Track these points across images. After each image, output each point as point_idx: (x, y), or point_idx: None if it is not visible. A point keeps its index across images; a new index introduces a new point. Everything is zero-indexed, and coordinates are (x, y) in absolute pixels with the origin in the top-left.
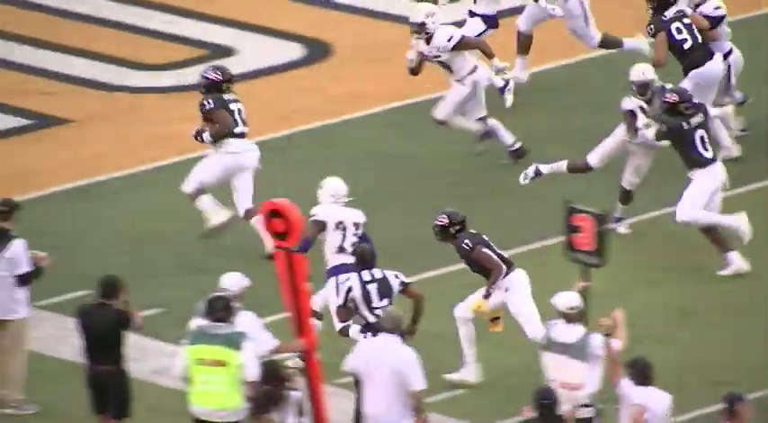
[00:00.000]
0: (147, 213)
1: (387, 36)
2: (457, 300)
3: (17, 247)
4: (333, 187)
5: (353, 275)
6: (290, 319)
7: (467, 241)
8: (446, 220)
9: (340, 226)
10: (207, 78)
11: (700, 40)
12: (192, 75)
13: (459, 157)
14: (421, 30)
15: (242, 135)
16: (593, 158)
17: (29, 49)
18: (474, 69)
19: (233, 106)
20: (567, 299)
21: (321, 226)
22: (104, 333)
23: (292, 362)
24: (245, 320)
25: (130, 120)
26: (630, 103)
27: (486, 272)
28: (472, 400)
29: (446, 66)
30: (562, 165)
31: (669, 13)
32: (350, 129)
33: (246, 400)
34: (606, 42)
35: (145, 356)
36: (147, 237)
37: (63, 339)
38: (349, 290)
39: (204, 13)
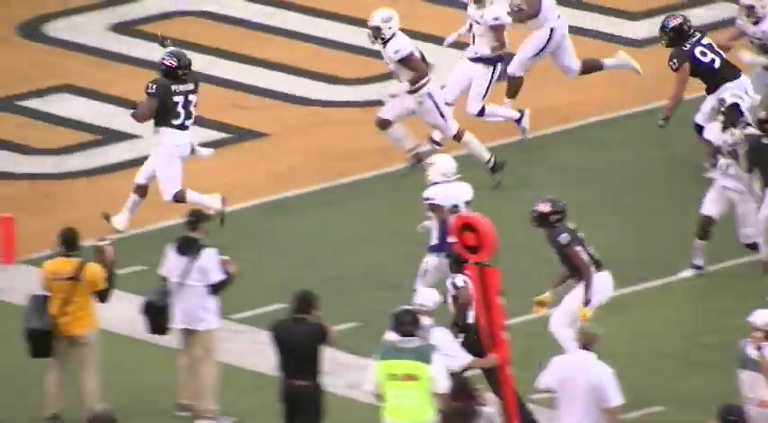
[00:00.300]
0: (343, 227)
1: (589, 51)
2: (638, 320)
3: (208, 256)
4: (444, 165)
5: (459, 276)
6: (483, 333)
7: (565, 235)
8: (549, 208)
9: (455, 209)
10: (164, 64)
11: (724, 57)
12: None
13: (651, 171)
14: (376, 34)
15: (181, 127)
16: (708, 209)
17: (228, 64)
18: (426, 82)
19: (177, 98)
20: (765, 316)
21: (443, 209)
22: (300, 348)
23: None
24: (438, 336)
25: (327, 134)
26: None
27: (575, 269)
28: (667, 417)
29: (396, 75)
30: (697, 243)
31: (688, 44)
32: (547, 143)
33: (437, 413)
34: (586, 67)
35: (339, 370)
36: (342, 251)
37: (258, 352)
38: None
39: (408, 29)
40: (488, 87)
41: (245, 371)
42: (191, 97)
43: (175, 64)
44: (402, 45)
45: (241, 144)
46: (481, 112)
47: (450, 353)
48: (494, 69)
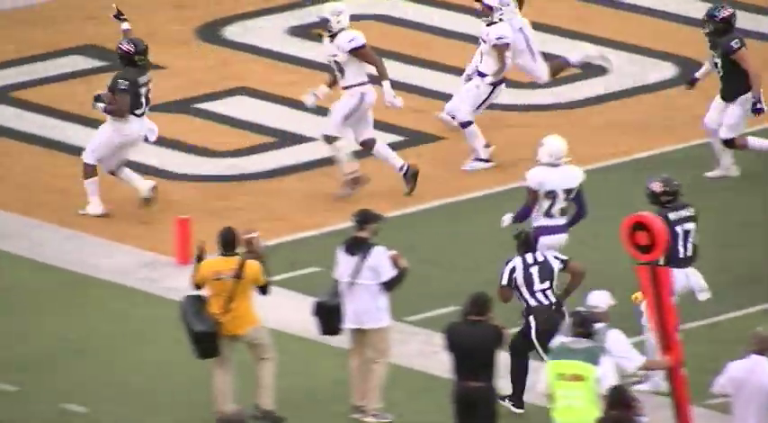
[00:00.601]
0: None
1: (759, 55)
2: None
3: (378, 254)
4: (554, 148)
5: (517, 258)
6: (656, 335)
7: (659, 217)
8: (660, 188)
9: (550, 195)
10: (121, 49)
11: None
12: (564, 94)
13: None
14: (324, 26)
15: (141, 115)
16: None
17: (405, 67)
18: (364, 82)
19: (142, 90)
20: None
21: (535, 194)
22: (476, 350)
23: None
24: (612, 338)
25: (503, 137)
26: None
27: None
28: None
29: (340, 68)
30: None
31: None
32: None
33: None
34: (554, 69)
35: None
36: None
37: (431, 355)
38: (512, 271)
39: (579, 32)
40: (483, 102)
41: (417, 373)
42: (150, 86)
43: (132, 50)
44: (356, 34)
45: (417, 147)
46: (466, 125)
47: (623, 355)
48: (494, 88)
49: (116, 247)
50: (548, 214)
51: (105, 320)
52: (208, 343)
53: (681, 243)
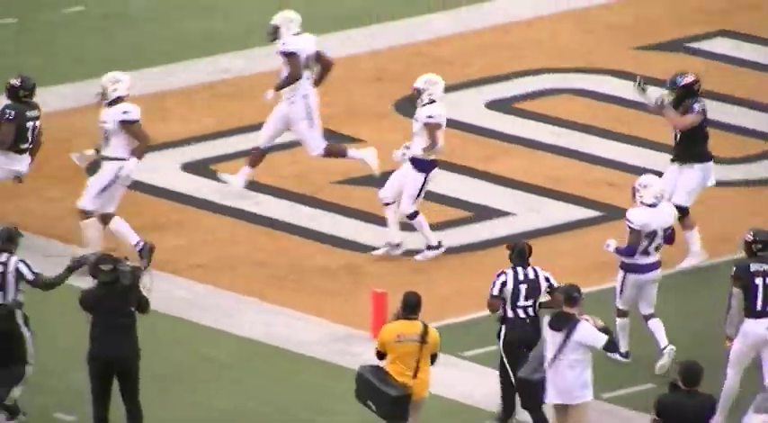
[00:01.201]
0: (704, 311)
1: None
2: None
3: (584, 329)
4: (658, 188)
5: (510, 271)
6: None
7: (735, 269)
8: (751, 237)
9: (651, 234)
10: (9, 83)
11: None
12: (755, 170)
13: None
14: (101, 95)
15: (25, 150)
16: None
17: (601, 141)
18: (125, 158)
19: (29, 124)
20: None
21: (639, 234)
22: (692, 421)
23: None
24: None
25: (699, 214)
26: None
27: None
28: None
29: (107, 137)
30: None
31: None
32: None
33: None
34: (332, 150)
35: None
36: (703, 335)
37: None
38: (504, 284)
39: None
40: (420, 191)
41: None
42: (37, 123)
43: (19, 84)
44: (132, 108)
45: (614, 222)
46: (413, 216)
47: None
48: (426, 175)
49: (310, 320)
50: (645, 252)
51: (298, 393)
52: (402, 407)
53: (760, 295)
